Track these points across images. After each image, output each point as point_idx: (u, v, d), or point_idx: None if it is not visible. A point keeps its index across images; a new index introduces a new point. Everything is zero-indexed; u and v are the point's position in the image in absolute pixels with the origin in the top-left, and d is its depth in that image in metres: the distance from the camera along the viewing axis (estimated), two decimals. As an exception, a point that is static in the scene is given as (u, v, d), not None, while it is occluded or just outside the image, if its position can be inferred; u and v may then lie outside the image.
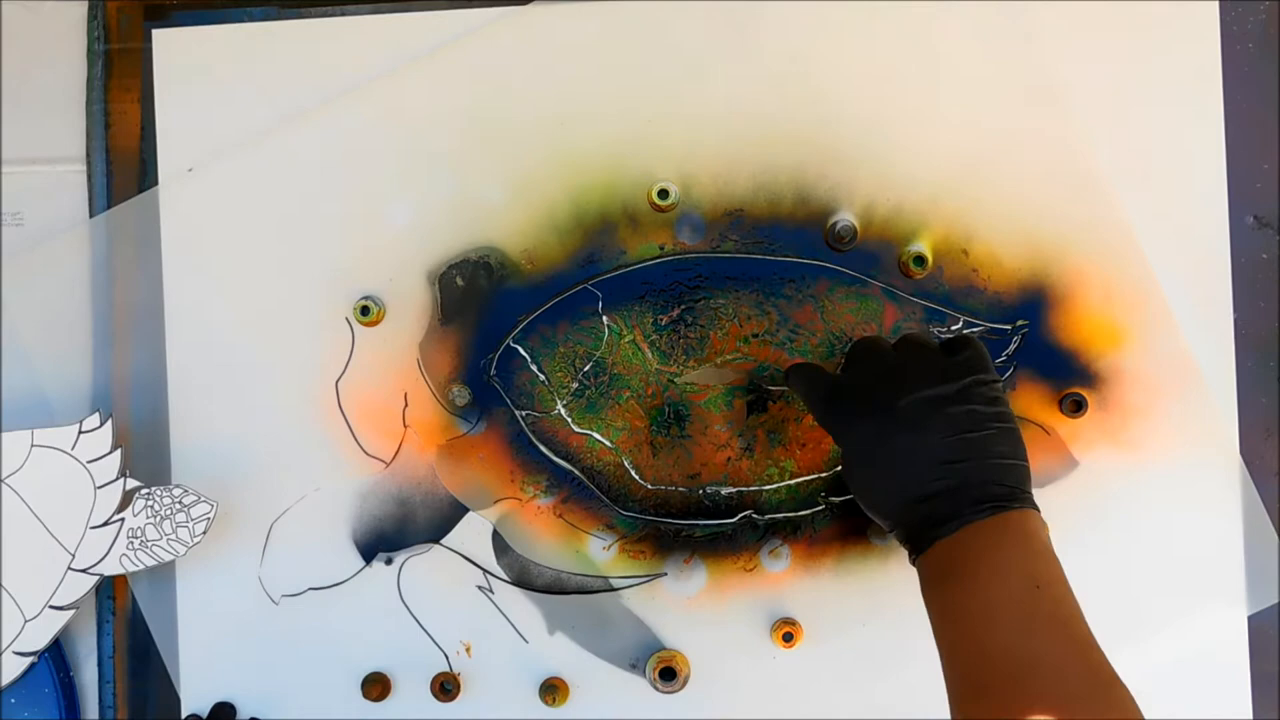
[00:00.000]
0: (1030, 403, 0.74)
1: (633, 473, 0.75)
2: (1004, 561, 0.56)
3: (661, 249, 0.74)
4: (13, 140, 0.76)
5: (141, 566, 0.71)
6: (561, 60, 0.75)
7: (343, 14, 0.75)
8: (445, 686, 0.74)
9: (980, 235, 0.74)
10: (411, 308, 0.75)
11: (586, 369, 0.74)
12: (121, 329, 0.75)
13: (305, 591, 0.75)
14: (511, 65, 0.75)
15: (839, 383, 0.65)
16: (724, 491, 0.74)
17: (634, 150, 0.74)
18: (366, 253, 0.75)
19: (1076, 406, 0.73)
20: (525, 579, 0.75)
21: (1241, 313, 0.74)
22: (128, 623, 0.75)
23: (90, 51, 0.76)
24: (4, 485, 0.72)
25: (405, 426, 0.75)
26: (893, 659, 0.73)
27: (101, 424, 0.72)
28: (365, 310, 0.74)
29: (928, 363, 0.62)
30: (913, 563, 0.60)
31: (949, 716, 0.55)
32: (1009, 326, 0.74)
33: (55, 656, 0.74)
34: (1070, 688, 0.52)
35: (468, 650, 0.75)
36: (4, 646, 0.72)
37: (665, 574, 0.75)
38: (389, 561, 0.75)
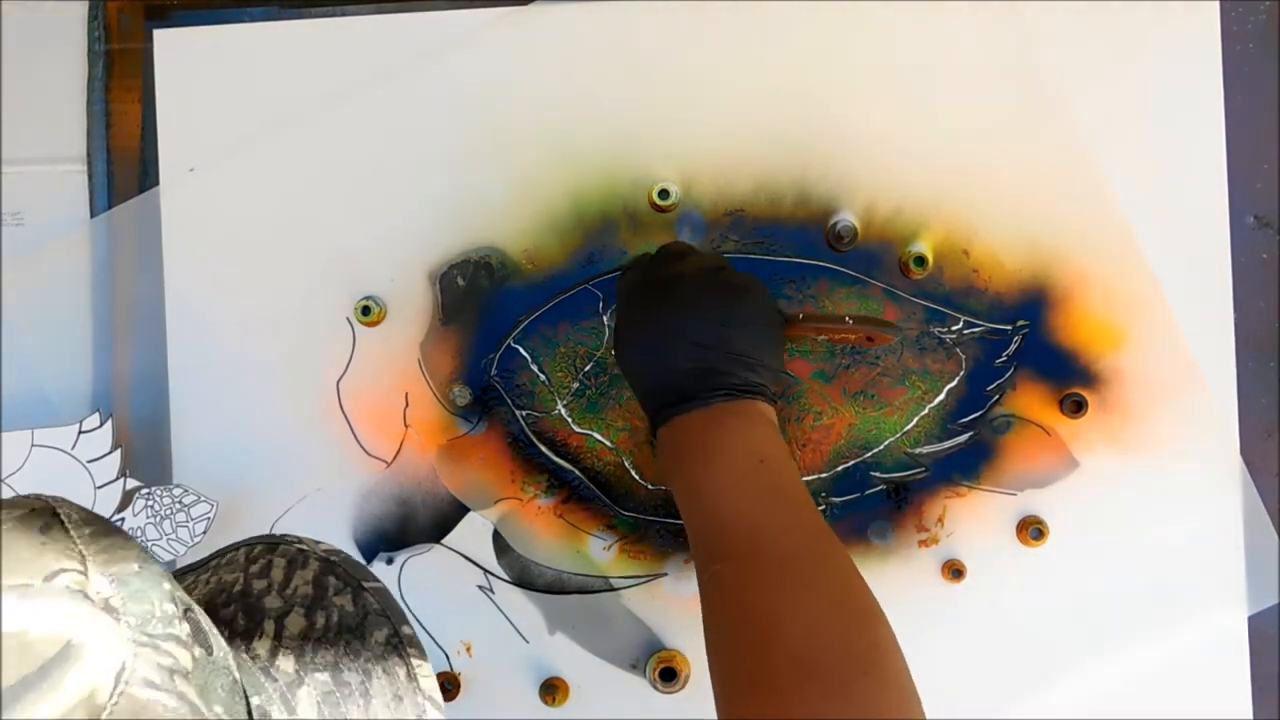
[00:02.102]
0: (1030, 403, 0.74)
1: (633, 473, 0.75)
2: (735, 439, 0.62)
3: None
4: (13, 140, 0.76)
5: (142, 566, 0.71)
6: (561, 60, 0.75)
7: (343, 14, 0.75)
8: (445, 686, 0.74)
9: (981, 236, 0.74)
10: (412, 308, 0.75)
11: (587, 369, 0.74)
12: (122, 329, 0.75)
13: (306, 591, 0.75)
14: (511, 65, 0.75)
15: (640, 261, 0.71)
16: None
17: (634, 150, 0.74)
18: (367, 253, 0.75)
19: (1077, 407, 0.73)
20: (526, 579, 0.75)
21: (1241, 313, 0.74)
22: (128, 623, 0.75)
23: (91, 51, 0.76)
24: (4, 485, 0.72)
25: (406, 426, 0.75)
26: (893, 659, 0.73)
27: (101, 424, 0.72)
28: (366, 310, 0.74)
29: (709, 261, 0.68)
30: (652, 439, 0.66)
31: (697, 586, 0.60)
32: (1009, 327, 0.74)
33: (55, 656, 0.74)
34: (793, 546, 0.58)
35: (468, 650, 0.75)
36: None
37: (665, 574, 0.75)
38: (390, 561, 0.75)
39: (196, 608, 0.37)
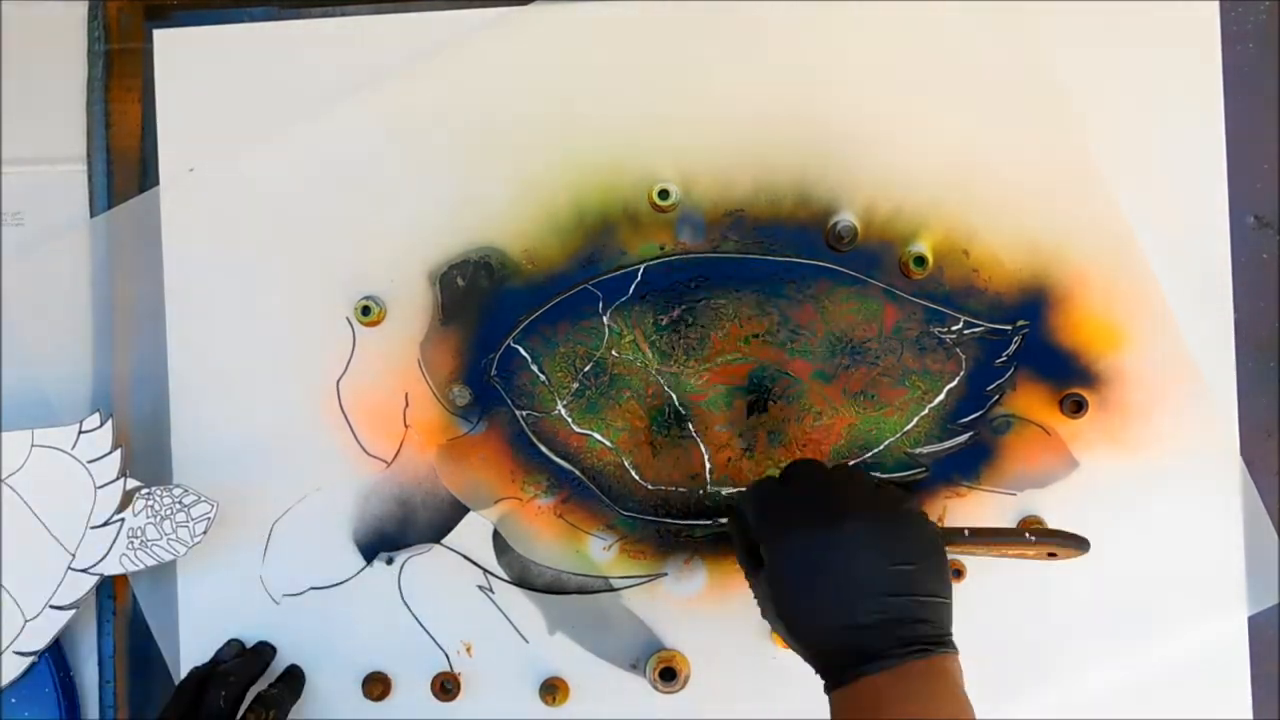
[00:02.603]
0: (1030, 403, 0.74)
1: (633, 473, 0.75)
2: (930, 709, 0.55)
3: (662, 249, 0.74)
4: (13, 140, 0.76)
5: (142, 566, 0.71)
6: (561, 60, 0.75)
7: (343, 14, 0.75)
8: (445, 686, 0.74)
9: (981, 236, 0.74)
10: (412, 308, 0.75)
11: (587, 369, 0.74)
12: (122, 329, 0.75)
13: (306, 591, 0.75)
14: (511, 65, 0.75)
15: (778, 490, 0.62)
16: (724, 491, 0.74)
17: (634, 150, 0.74)
18: (367, 253, 0.75)
19: (1077, 407, 0.73)
20: (526, 579, 0.75)
21: (1241, 313, 0.74)
22: (128, 623, 0.75)
23: (91, 51, 0.76)
24: (4, 485, 0.72)
25: (406, 426, 0.75)
26: (893, 659, 0.73)
27: (102, 424, 0.72)
28: (366, 310, 0.74)
29: (865, 486, 0.61)
30: (828, 692, 0.57)
31: None
32: (1009, 327, 0.74)
33: (55, 656, 0.74)
34: None
35: (468, 650, 0.75)
36: (4, 646, 0.72)
37: (665, 574, 0.75)
38: (390, 561, 0.75)
39: None
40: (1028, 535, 0.64)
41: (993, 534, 0.64)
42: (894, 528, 0.58)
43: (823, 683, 0.58)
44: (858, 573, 0.56)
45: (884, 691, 0.55)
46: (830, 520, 0.57)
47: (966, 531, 0.63)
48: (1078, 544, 0.65)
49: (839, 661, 0.56)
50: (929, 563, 0.57)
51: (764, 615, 0.61)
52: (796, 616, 0.58)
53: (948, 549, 0.60)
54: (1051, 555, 0.65)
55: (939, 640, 0.56)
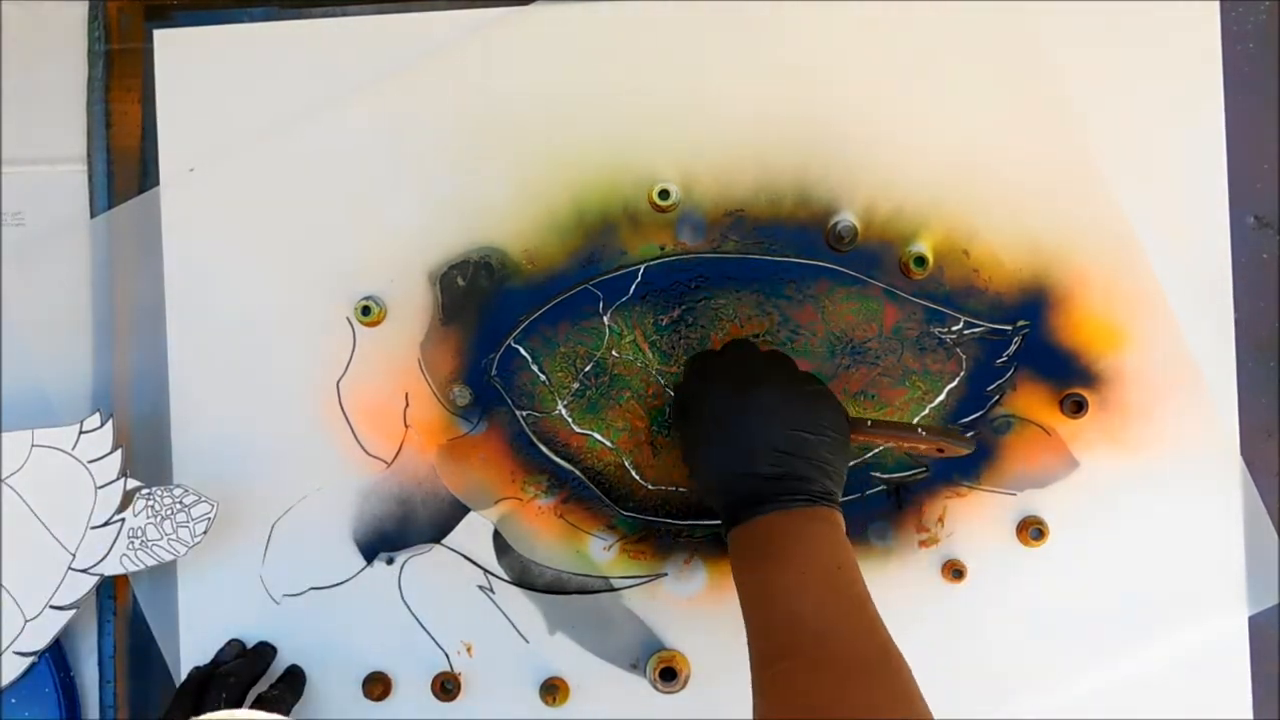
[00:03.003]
0: (1031, 403, 0.74)
1: (633, 473, 0.75)
2: (814, 545, 0.63)
3: (662, 249, 0.74)
4: (13, 140, 0.76)
5: (142, 566, 0.71)
6: (562, 60, 0.75)
7: (343, 14, 0.75)
8: (446, 686, 0.74)
9: (981, 236, 0.74)
10: (413, 308, 0.75)
11: (587, 369, 0.74)
12: (122, 329, 0.75)
13: (306, 591, 0.75)
14: (511, 65, 0.75)
15: (711, 358, 0.70)
16: (724, 491, 0.74)
17: (635, 150, 0.74)
18: (367, 253, 0.75)
19: (1077, 407, 0.73)
20: (526, 579, 0.75)
21: (1241, 313, 0.74)
22: (129, 623, 0.75)
23: (91, 51, 0.76)
24: (4, 485, 0.72)
25: (406, 426, 0.75)
26: (893, 659, 0.73)
27: (102, 424, 0.72)
28: (366, 310, 0.74)
29: (785, 366, 0.68)
30: (725, 534, 0.65)
31: (751, 676, 0.60)
32: (1010, 327, 0.74)
33: (56, 656, 0.74)
34: (860, 653, 0.59)
35: (468, 650, 0.75)
36: (4, 646, 0.72)
37: (665, 574, 0.75)
38: (390, 561, 0.75)
39: None
40: (920, 430, 0.69)
41: (890, 426, 0.70)
42: (800, 400, 0.66)
43: (721, 527, 0.66)
44: (761, 431, 0.64)
45: (772, 527, 0.63)
46: (747, 385, 0.66)
47: (869, 422, 0.69)
48: (964, 443, 0.69)
49: (737, 504, 0.64)
50: (827, 437, 0.65)
51: (683, 459, 0.71)
52: (707, 462, 0.66)
53: (852, 435, 0.67)
54: (940, 451, 0.69)
55: (826, 496, 0.64)
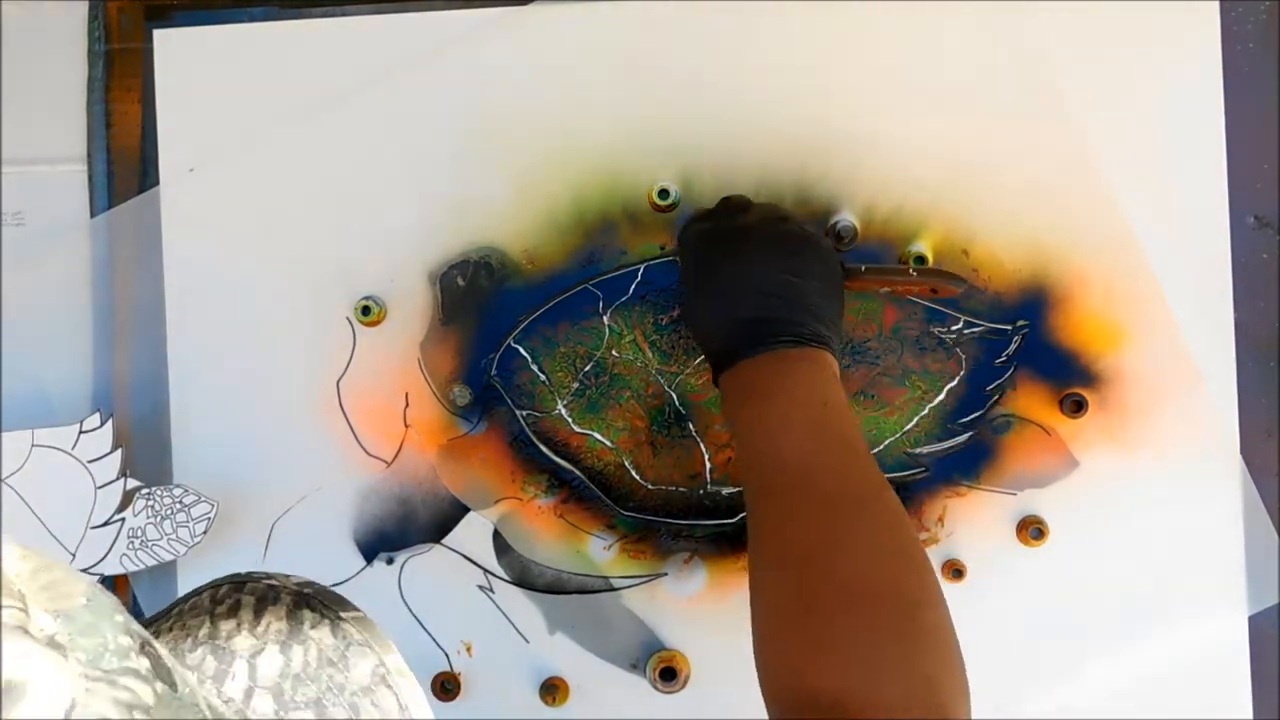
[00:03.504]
0: (1031, 403, 0.74)
1: (633, 473, 0.75)
2: (799, 382, 0.62)
3: (662, 249, 0.74)
4: (13, 140, 0.76)
5: (142, 566, 0.71)
6: (561, 60, 0.75)
7: (343, 14, 0.75)
8: (445, 686, 0.74)
9: (981, 235, 0.74)
10: (412, 308, 0.75)
11: (587, 369, 0.74)
12: (122, 329, 0.75)
13: (306, 591, 0.75)
14: (511, 65, 0.75)
15: (705, 213, 0.71)
16: (724, 491, 0.74)
17: (634, 150, 0.74)
18: (367, 252, 0.75)
19: (1077, 407, 0.73)
20: (526, 579, 0.75)
21: (1241, 313, 0.74)
22: (128, 623, 0.75)
23: (91, 51, 0.76)
24: (4, 485, 0.72)
25: (406, 426, 0.75)
26: (893, 659, 0.73)
27: (102, 424, 0.72)
28: (366, 310, 0.74)
29: (777, 214, 0.68)
30: (715, 383, 0.65)
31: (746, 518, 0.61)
32: (1010, 327, 0.74)
33: (56, 656, 0.74)
34: (848, 487, 0.59)
35: (468, 650, 0.75)
36: (4, 646, 0.71)
37: (665, 574, 0.75)
38: (390, 561, 0.75)
39: (155, 642, 0.35)
40: (912, 272, 0.70)
41: (883, 271, 0.71)
42: (791, 245, 0.66)
43: (714, 376, 0.66)
44: (749, 276, 0.64)
45: (759, 368, 0.62)
46: (733, 235, 0.66)
47: (863, 267, 0.69)
48: (956, 281, 0.69)
49: (727, 350, 0.64)
50: (818, 282, 0.64)
51: (681, 317, 0.72)
52: (698, 314, 0.67)
53: (847, 283, 0.67)
54: (933, 292, 0.70)
55: (815, 339, 0.63)
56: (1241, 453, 0.74)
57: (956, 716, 0.52)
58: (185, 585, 0.75)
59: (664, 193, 0.73)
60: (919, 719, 0.51)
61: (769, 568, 0.58)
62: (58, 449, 0.72)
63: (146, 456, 0.75)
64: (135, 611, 0.75)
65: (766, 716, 0.74)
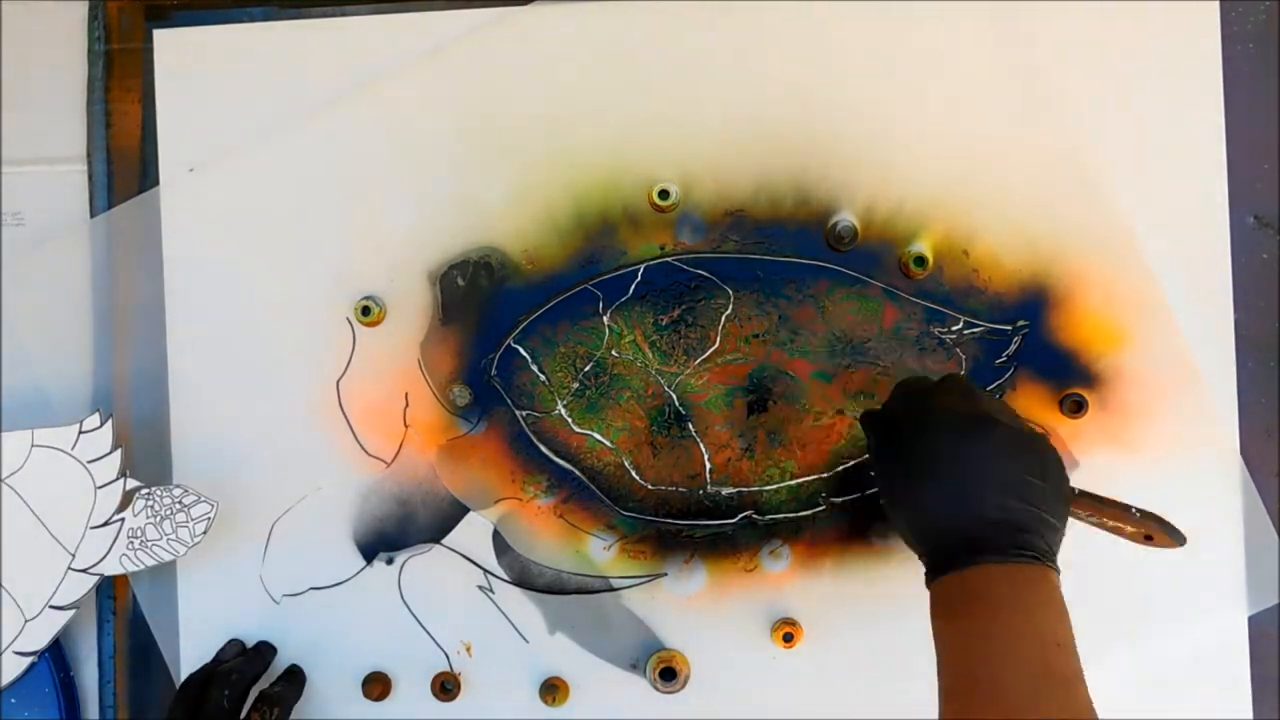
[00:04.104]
0: (1031, 403, 0.74)
1: (633, 473, 0.75)
2: (1035, 611, 0.57)
3: (662, 249, 0.74)
4: (13, 140, 0.76)
5: (142, 566, 0.71)
6: (561, 60, 0.75)
7: (343, 14, 0.75)
8: (445, 686, 0.74)
9: (981, 236, 0.74)
10: (412, 308, 0.75)
11: (587, 369, 0.74)
12: (122, 329, 0.75)
13: (306, 591, 0.75)
14: (511, 65, 0.75)
15: (930, 387, 0.65)
16: (724, 492, 0.74)
17: (634, 150, 0.74)
18: (367, 253, 0.75)
19: (1077, 407, 0.73)
20: (526, 579, 0.75)
21: (1241, 313, 0.74)
22: (128, 623, 0.75)
23: (91, 51, 0.76)
24: (4, 485, 0.72)
25: (406, 426, 0.75)
26: (892, 659, 0.73)
27: (102, 424, 0.72)
28: (366, 310, 0.74)
29: (1010, 409, 0.65)
30: (930, 582, 0.60)
31: None
32: (1009, 327, 0.74)
33: (55, 656, 0.74)
34: None
35: (468, 650, 0.75)
36: (4, 646, 0.72)
37: (665, 574, 0.75)
38: (390, 561, 0.75)
39: None
40: (1134, 510, 0.64)
41: (1101, 501, 0.65)
42: (1034, 444, 0.61)
43: (925, 575, 0.60)
44: (995, 471, 0.59)
45: (991, 582, 0.57)
46: (980, 421, 0.61)
47: (1077, 490, 0.64)
48: (1177, 535, 0.64)
49: (952, 549, 0.58)
50: (1055, 487, 0.60)
51: (884, 496, 0.64)
52: (920, 501, 0.60)
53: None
54: (1148, 539, 0.64)
55: (1049, 555, 0.58)
56: (1241, 453, 0.74)
57: None
58: (185, 585, 0.75)
59: (664, 193, 0.73)
60: None
61: None
62: (58, 449, 0.72)
63: (146, 456, 0.75)
64: (135, 612, 0.75)
65: (765, 716, 0.74)
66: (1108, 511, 0.64)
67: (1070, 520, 0.63)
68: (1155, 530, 0.64)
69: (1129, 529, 0.64)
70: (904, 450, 0.62)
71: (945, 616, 0.58)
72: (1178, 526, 0.64)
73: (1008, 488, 0.59)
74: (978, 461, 0.59)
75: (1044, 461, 0.61)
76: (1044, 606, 0.57)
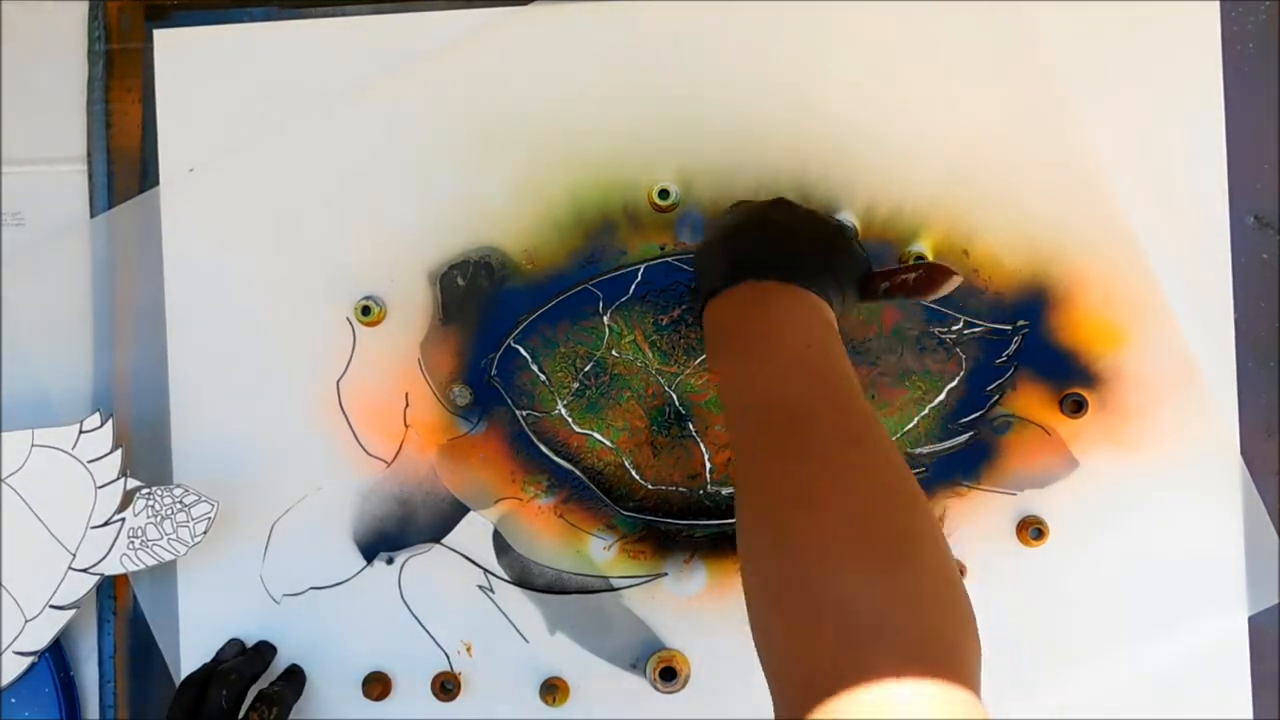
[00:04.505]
0: (1030, 403, 0.74)
1: (633, 473, 0.75)
2: (780, 320, 0.60)
3: (662, 249, 0.74)
4: (13, 140, 0.76)
5: (142, 566, 0.71)
6: (561, 60, 0.75)
7: (343, 14, 0.75)
8: (446, 686, 0.74)
9: (981, 236, 0.74)
10: (412, 308, 0.75)
11: (587, 369, 0.74)
12: (122, 329, 0.75)
13: (306, 591, 0.75)
14: (511, 65, 0.75)
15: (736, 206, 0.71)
16: (724, 491, 0.74)
17: (634, 150, 0.74)
18: (367, 253, 0.75)
19: (1077, 407, 0.73)
20: (526, 579, 0.75)
21: (1241, 313, 0.74)
22: (129, 622, 0.75)
23: (91, 51, 0.76)
24: (4, 485, 0.72)
25: (406, 426, 0.75)
26: (893, 659, 0.73)
27: (102, 424, 0.72)
28: (366, 310, 0.74)
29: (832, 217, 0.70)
30: (699, 318, 0.64)
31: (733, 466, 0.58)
32: (1009, 327, 0.74)
33: (55, 656, 0.74)
34: (840, 432, 0.54)
35: (468, 650, 0.75)
36: (4, 646, 0.72)
37: (665, 574, 0.75)
38: (390, 561, 0.75)
39: None
40: (914, 261, 0.69)
41: (886, 272, 0.66)
42: (825, 220, 0.67)
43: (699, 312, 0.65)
44: (755, 223, 0.65)
45: (739, 301, 0.61)
46: (766, 208, 0.67)
47: (871, 269, 0.66)
48: (947, 270, 0.63)
49: (710, 288, 0.63)
50: (827, 240, 0.65)
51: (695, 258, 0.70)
52: (697, 258, 0.68)
53: (863, 298, 0.65)
54: (932, 282, 0.63)
55: (806, 278, 0.61)
56: (1241, 453, 0.74)
57: (956, 638, 0.48)
58: (185, 585, 0.75)
59: (664, 193, 0.73)
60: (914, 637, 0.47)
61: (755, 525, 0.54)
62: (58, 449, 0.72)
63: (146, 456, 0.75)
64: (135, 612, 0.76)
65: (765, 716, 0.74)
66: (894, 276, 0.65)
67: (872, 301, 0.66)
68: (934, 272, 0.63)
69: (911, 278, 0.64)
70: (708, 227, 0.70)
71: (711, 347, 0.64)
72: (946, 264, 0.64)
73: (770, 233, 0.64)
74: (746, 217, 0.66)
75: (818, 222, 0.66)
76: (791, 311, 0.60)
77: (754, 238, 0.64)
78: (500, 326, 0.75)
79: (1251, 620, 0.74)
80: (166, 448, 0.75)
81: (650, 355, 0.74)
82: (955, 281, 0.63)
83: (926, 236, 0.74)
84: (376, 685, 0.74)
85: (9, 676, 0.72)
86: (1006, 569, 0.74)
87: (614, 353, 0.74)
